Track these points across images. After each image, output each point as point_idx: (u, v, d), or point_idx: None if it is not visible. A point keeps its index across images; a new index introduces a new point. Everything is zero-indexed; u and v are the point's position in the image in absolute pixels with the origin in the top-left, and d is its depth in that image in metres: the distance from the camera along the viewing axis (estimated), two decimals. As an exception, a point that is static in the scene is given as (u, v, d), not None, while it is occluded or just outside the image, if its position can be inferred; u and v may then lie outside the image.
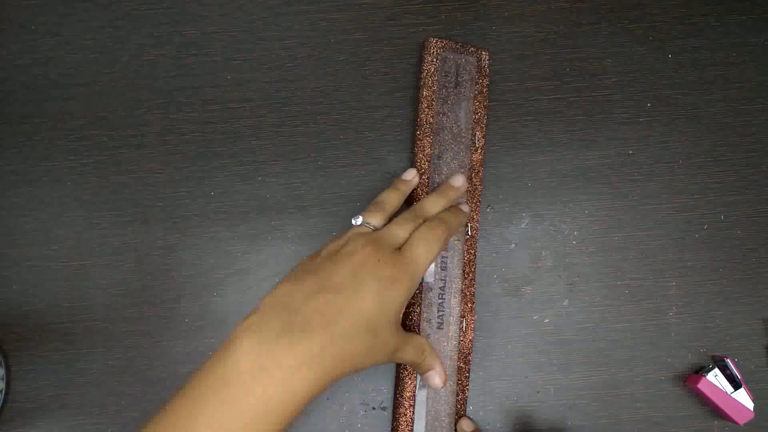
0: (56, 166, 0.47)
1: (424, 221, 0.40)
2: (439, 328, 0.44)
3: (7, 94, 0.48)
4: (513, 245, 0.47)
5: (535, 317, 0.47)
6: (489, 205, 0.48)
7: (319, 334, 0.32)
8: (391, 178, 0.46)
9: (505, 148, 0.48)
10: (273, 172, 0.47)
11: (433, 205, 0.42)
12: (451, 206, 0.43)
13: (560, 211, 0.48)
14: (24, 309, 0.46)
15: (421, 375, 0.41)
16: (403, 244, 0.38)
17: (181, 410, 0.30)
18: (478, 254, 0.47)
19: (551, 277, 0.47)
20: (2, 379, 0.44)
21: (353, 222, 0.40)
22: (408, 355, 0.38)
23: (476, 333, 0.46)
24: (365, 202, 0.47)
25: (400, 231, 0.38)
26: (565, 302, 0.47)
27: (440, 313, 0.44)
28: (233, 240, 0.47)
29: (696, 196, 0.48)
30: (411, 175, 0.44)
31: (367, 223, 0.39)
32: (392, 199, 0.42)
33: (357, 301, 0.34)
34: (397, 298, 0.35)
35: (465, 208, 0.44)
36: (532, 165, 0.48)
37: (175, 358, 0.45)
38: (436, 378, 0.40)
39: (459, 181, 0.44)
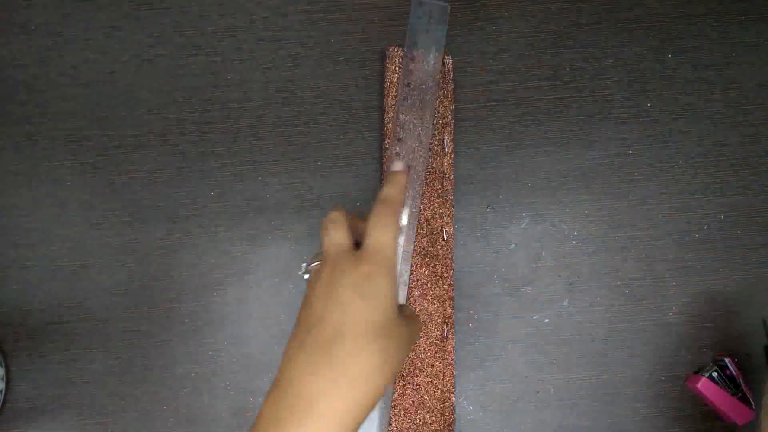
0: (56, 166, 0.47)
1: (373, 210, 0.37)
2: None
3: (7, 94, 0.48)
4: (513, 245, 0.47)
5: (535, 317, 0.47)
6: (489, 205, 0.48)
7: (334, 394, 0.31)
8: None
9: (505, 148, 0.48)
10: (273, 172, 0.47)
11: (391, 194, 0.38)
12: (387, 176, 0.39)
13: (560, 211, 0.48)
14: (24, 309, 0.46)
15: None
16: (363, 240, 0.35)
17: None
18: (477, 254, 0.47)
19: (551, 277, 0.47)
20: (2, 379, 0.44)
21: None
22: (417, 333, 0.35)
23: (476, 333, 0.46)
24: (365, 202, 0.47)
25: (337, 233, 0.36)
26: (565, 302, 0.47)
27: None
28: (233, 240, 0.47)
29: (696, 196, 0.48)
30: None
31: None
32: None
33: (343, 320, 0.32)
34: (381, 289, 0.33)
35: (398, 165, 0.40)
36: (532, 165, 0.48)
37: (175, 358, 0.45)
38: None
39: (399, 165, 0.40)
